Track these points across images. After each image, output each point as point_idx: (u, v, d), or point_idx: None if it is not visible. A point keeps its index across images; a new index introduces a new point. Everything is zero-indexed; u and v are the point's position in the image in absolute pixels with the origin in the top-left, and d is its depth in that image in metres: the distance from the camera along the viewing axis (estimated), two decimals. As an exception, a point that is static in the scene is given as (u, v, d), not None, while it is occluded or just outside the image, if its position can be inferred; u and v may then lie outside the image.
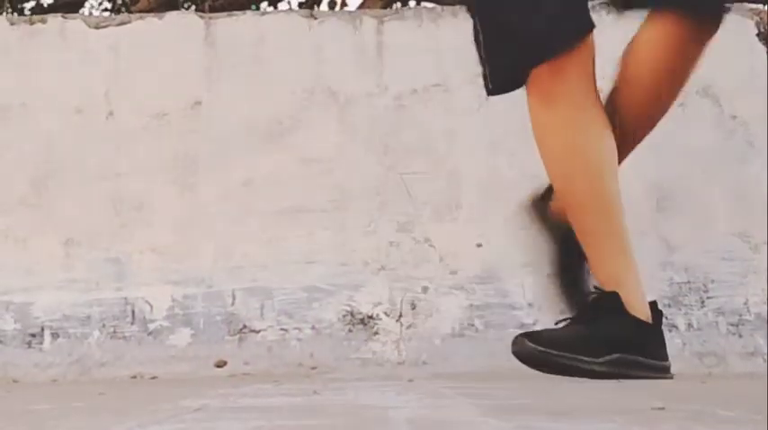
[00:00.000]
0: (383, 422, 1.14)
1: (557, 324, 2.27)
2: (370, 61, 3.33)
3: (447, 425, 1.09)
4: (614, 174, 2.25)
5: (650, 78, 2.33)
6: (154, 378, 2.98)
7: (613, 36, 3.29)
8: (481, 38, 2.30)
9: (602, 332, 2.19)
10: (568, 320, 2.26)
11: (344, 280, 3.18)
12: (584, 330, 2.20)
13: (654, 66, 2.35)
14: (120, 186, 3.25)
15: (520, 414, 1.20)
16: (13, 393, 2.32)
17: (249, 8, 6.09)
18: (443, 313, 3.12)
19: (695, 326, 3.12)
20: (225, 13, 3.45)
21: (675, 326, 3.09)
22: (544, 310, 3.09)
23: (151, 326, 3.13)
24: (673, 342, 3.02)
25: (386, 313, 3.13)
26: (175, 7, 6.06)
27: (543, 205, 2.44)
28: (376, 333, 3.11)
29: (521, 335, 2.19)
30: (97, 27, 3.35)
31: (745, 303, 3.16)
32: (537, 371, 2.19)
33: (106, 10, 8.65)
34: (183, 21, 3.39)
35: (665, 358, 2.23)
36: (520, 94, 2.26)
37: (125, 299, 3.16)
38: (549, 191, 2.44)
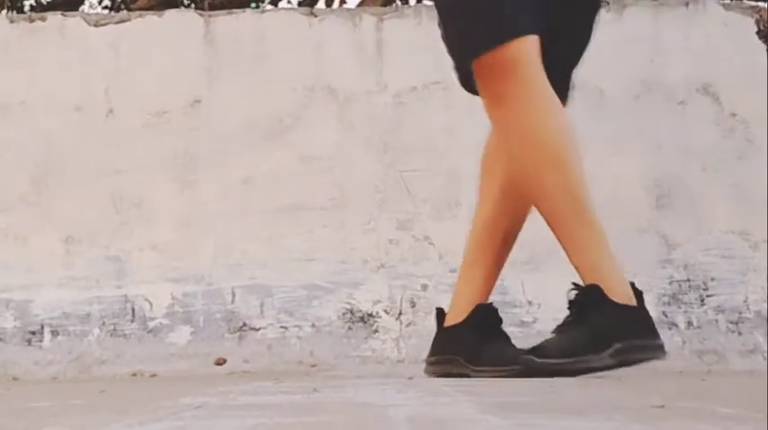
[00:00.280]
0: (383, 420, 1.14)
1: (549, 338, 2.29)
2: (369, 59, 3.33)
3: (447, 423, 1.09)
4: (577, 161, 2.27)
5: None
6: (154, 375, 2.98)
7: (613, 35, 3.30)
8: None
9: (597, 328, 2.21)
10: (560, 325, 2.29)
11: (344, 278, 3.18)
12: (581, 332, 2.22)
13: None
14: (120, 184, 3.25)
15: (520, 412, 1.21)
16: (12, 391, 2.32)
17: (249, 6, 6.08)
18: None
19: (695, 323, 3.12)
20: (224, 11, 3.45)
21: (675, 324, 3.09)
22: (543, 308, 3.09)
23: (151, 324, 3.13)
24: (673, 340, 3.03)
25: (385, 311, 3.13)
26: (175, 5, 6.05)
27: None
28: (376, 331, 3.11)
29: (525, 354, 2.22)
30: (97, 25, 3.35)
31: (745, 301, 3.16)
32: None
33: (106, 8, 8.65)
34: (183, 19, 3.38)
35: (657, 336, 2.26)
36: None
37: (125, 296, 3.16)
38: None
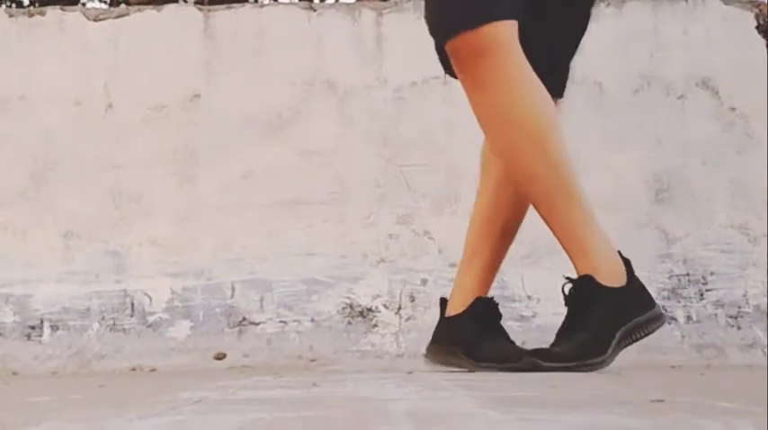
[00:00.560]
0: (382, 414, 1.14)
1: (555, 341, 2.29)
2: (369, 53, 3.33)
3: (446, 417, 1.09)
4: (559, 140, 2.27)
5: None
6: (153, 370, 2.98)
7: (613, 30, 3.30)
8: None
9: (599, 327, 2.21)
10: (562, 327, 2.29)
11: (344, 272, 3.18)
12: (586, 337, 2.22)
13: None
14: (120, 179, 3.25)
15: (519, 406, 1.20)
16: (12, 385, 2.32)
17: (248, 0, 6.07)
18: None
19: (694, 318, 3.12)
20: (224, 6, 3.44)
21: (675, 319, 3.09)
22: (543, 302, 3.10)
23: (150, 319, 3.13)
24: (672, 334, 3.03)
25: (385, 305, 3.14)
26: (174, 0, 6.05)
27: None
28: (375, 325, 3.11)
29: (529, 357, 2.21)
30: (96, 19, 3.35)
31: (745, 295, 3.16)
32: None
33: (104, 2, 8.64)
34: (182, 13, 3.38)
35: (653, 305, 2.28)
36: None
37: (124, 291, 3.16)
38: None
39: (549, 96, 2.27)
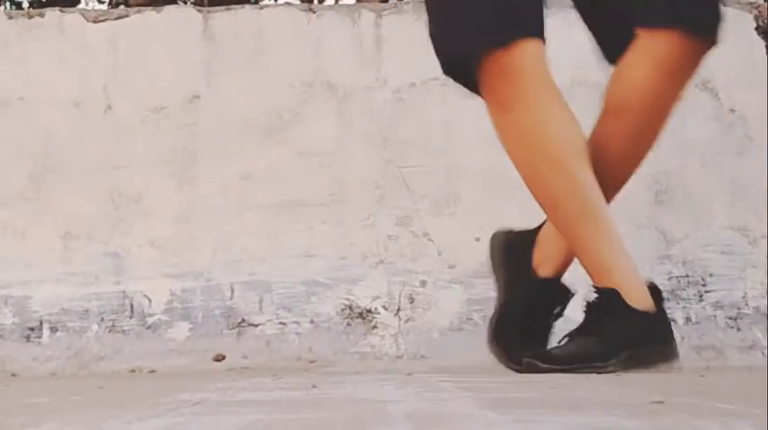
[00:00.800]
0: (382, 416, 1.14)
1: (560, 342, 2.28)
2: (368, 55, 3.33)
3: (446, 419, 1.09)
4: (585, 165, 2.22)
5: (641, 104, 2.27)
6: (152, 371, 2.98)
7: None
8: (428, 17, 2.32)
9: (608, 335, 2.18)
10: (573, 330, 2.27)
11: (343, 273, 3.18)
12: (591, 339, 2.19)
13: (647, 89, 2.27)
14: (119, 180, 3.25)
15: (519, 407, 1.20)
16: (11, 387, 2.32)
17: (247, 1, 6.09)
18: (442, 307, 3.12)
19: (693, 319, 3.12)
20: (223, 7, 3.44)
21: (674, 320, 3.09)
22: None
23: (150, 320, 3.13)
24: (671, 335, 3.03)
25: (384, 307, 3.13)
26: (173, 1, 6.05)
27: (522, 254, 2.41)
28: (374, 327, 3.11)
29: (529, 357, 2.19)
30: (95, 21, 3.35)
31: (744, 297, 3.16)
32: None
33: (102, 2, 8.64)
34: (182, 14, 3.38)
35: (672, 340, 2.22)
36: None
37: (123, 292, 3.16)
38: (528, 238, 2.41)
39: (574, 118, 2.23)
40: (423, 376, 2.23)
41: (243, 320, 3.12)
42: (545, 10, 2.26)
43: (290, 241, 3.21)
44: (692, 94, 3.28)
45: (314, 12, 3.38)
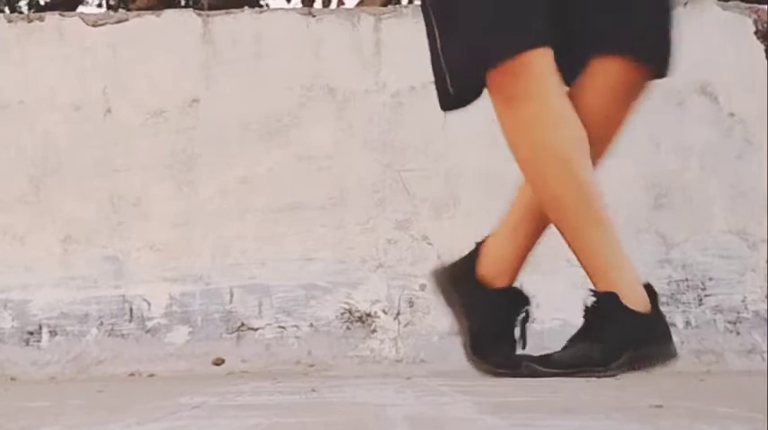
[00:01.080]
0: (381, 419, 1.14)
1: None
2: (368, 59, 3.33)
3: (445, 423, 1.09)
4: (586, 165, 2.25)
5: (591, 124, 2.32)
6: (151, 375, 2.98)
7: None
8: (437, 34, 2.32)
9: (608, 339, 2.20)
10: (574, 335, 2.28)
11: (342, 277, 3.18)
12: (592, 344, 2.21)
13: (596, 111, 2.35)
14: (118, 183, 3.25)
15: (518, 411, 1.20)
16: (10, 391, 2.32)
17: (247, 5, 6.08)
18: (441, 311, 3.12)
19: (693, 323, 3.12)
20: (222, 11, 3.44)
21: (673, 324, 3.09)
22: (541, 308, 3.09)
23: (149, 324, 3.12)
24: (671, 339, 3.02)
25: (384, 311, 3.13)
26: (173, 5, 6.06)
27: (464, 274, 2.45)
28: (374, 330, 3.11)
29: (528, 362, 2.21)
30: (95, 25, 3.35)
31: (744, 301, 3.16)
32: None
33: (101, 6, 8.64)
34: (181, 18, 3.38)
35: (668, 341, 2.25)
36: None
37: (123, 296, 3.16)
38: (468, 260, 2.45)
39: (578, 122, 2.26)
40: (422, 380, 2.23)
41: (242, 324, 3.12)
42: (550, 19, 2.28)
43: (290, 245, 3.21)
44: (691, 98, 3.29)
45: (313, 15, 3.38)
